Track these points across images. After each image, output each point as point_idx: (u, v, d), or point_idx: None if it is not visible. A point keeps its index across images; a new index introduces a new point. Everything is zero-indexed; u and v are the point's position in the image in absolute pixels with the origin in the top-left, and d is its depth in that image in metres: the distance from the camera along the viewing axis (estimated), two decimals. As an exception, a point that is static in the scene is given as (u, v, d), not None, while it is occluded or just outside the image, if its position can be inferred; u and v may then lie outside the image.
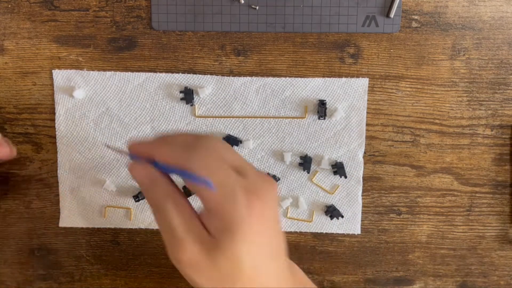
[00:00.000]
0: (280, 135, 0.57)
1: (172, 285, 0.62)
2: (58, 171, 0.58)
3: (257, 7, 0.55)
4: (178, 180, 0.40)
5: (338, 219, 0.58)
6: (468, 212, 0.59)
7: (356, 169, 0.58)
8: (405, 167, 0.58)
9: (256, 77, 0.56)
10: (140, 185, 0.39)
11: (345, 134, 0.57)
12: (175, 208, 0.38)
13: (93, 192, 0.59)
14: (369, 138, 0.57)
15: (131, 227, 0.60)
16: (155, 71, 0.57)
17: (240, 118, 0.57)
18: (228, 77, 0.56)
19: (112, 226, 0.60)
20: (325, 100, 0.56)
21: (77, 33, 0.56)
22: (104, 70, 0.57)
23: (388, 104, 0.57)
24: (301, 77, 0.57)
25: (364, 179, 0.58)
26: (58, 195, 0.59)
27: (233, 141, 0.57)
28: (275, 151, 0.58)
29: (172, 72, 0.57)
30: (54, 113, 0.57)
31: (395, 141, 0.58)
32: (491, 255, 0.60)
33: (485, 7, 0.55)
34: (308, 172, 0.58)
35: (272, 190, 0.39)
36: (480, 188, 0.58)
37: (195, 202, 0.40)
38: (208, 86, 0.56)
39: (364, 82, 0.56)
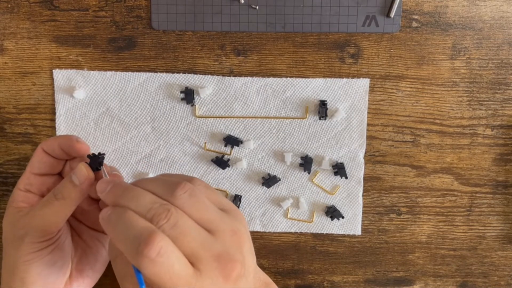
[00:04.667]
0: (281, 135, 0.57)
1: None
2: (58, 171, 0.58)
3: (257, 7, 0.55)
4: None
5: (338, 219, 0.58)
6: (468, 212, 0.59)
7: (357, 169, 0.58)
8: (405, 167, 0.58)
9: (256, 78, 0.56)
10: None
11: (346, 134, 0.57)
12: (123, 268, 0.40)
13: (93, 192, 0.59)
14: (369, 138, 0.57)
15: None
16: (155, 71, 0.57)
17: (241, 119, 0.57)
18: (228, 77, 0.56)
19: (112, 226, 0.60)
20: (326, 101, 0.56)
21: (77, 33, 0.56)
22: (104, 70, 0.57)
23: (388, 104, 0.57)
24: (301, 77, 0.56)
25: (364, 179, 0.58)
26: (58, 195, 0.59)
27: (233, 141, 0.57)
28: (275, 152, 0.58)
29: (172, 72, 0.57)
30: (54, 113, 0.57)
31: (395, 141, 0.58)
32: (491, 255, 0.60)
33: (486, 7, 0.55)
34: (309, 173, 0.58)
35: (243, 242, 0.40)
36: (480, 188, 0.58)
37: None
38: (208, 86, 0.56)
39: (365, 82, 0.56)
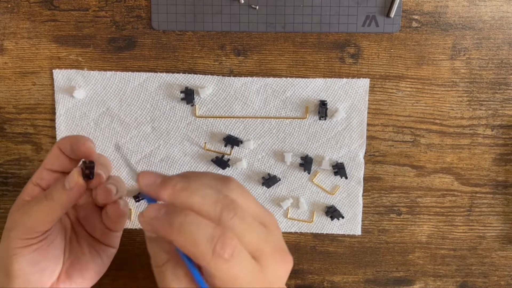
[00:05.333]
0: (281, 135, 0.57)
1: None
2: (58, 171, 0.58)
3: (257, 7, 0.55)
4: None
5: (338, 219, 0.58)
6: (468, 212, 0.59)
7: (357, 169, 0.58)
8: (405, 167, 0.58)
9: (256, 78, 0.56)
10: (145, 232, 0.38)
11: (346, 134, 0.57)
12: (173, 274, 0.37)
13: (93, 192, 0.59)
14: (369, 138, 0.57)
15: (131, 227, 0.60)
16: (155, 71, 0.57)
17: (241, 119, 0.57)
18: (228, 77, 0.56)
19: (112, 226, 0.60)
20: (326, 101, 0.56)
21: (76, 33, 0.56)
22: (104, 70, 0.57)
23: (388, 104, 0.57)
24: (301, 77, 0.56)
25: (364, 179, 0.58)
26: (58, 195, 0.59)
27: (233, 141, 0.57)
28: (275, 152, 0.58)
29: (172, 72, 0.57)
30: (54, 113, 0.57)
31: (395, 141, 0.58)
32: (491, 255, 0.60)
33: (486, 7, 0.55)
34: (309, 173, 0.58)
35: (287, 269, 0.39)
36: (480, 188, 0.58)
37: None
38: (208, 86, 0.56)
39: (365, 82, 0.56)
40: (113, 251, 0.52)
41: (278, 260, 0.38)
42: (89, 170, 0.45)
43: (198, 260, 0.35)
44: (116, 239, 0.51)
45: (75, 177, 0.45)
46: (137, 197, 0.58)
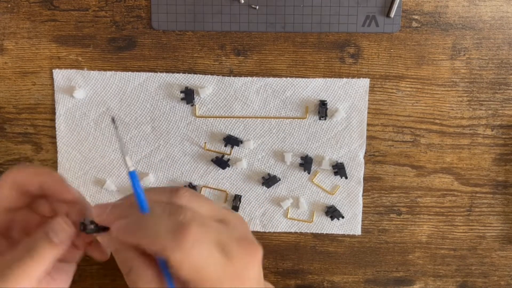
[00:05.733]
0: (281, 135, 0.57)
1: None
2: (58, 171, 0.58)
3: (257, 7, 0.55)
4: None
5: (338, 219, 0.58)
6: (468, 212, 0.59)
7: (357, 169, 0.58)
8: (405, 167, 0.58)
9: (256, 77, 0.56)
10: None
11: (346, 134, 0.57)
12: (138, 280, 0.36)
13: (93, 192, 0.59)
14: (369, 138, 0.57)
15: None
16: (155, 71, 0.57)
17: (241, 118, 0.57)
18: (228, 77, 0.56)
19: (112, 226, 0.60)
20: (326, 101, 0.56)
21: (76, 33, 0.56)
22: (104, 70, 0.57)
23: (388, 104, 0.57)
24: (301, 77, 0.56)
25: (364, 179, 0.58)
26: (58, 195, 0.59)
27: (233, 141, 0.57)
28: (275, 152, 0.58)
29: (172, 72, 0.57)
30: (53, 113, 0.57)
31: (395, 141, 0.58)
32: (491, 255, 0.60)
33: (485, 7, 0.55)
34: (309, 173, 0.58)
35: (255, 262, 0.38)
36: (480, 188, 0.58)
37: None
38: (208, 86, 0.56)
39: (365, 82, 0.56)
40: (75, 268, 0.45)
41: (244, 249, 0.37)
42: (86, 226, 0.38)
43: (162, 253, 0.35)
44: (80, 256, 0.45)
45: (65, 227, 0.38)
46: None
